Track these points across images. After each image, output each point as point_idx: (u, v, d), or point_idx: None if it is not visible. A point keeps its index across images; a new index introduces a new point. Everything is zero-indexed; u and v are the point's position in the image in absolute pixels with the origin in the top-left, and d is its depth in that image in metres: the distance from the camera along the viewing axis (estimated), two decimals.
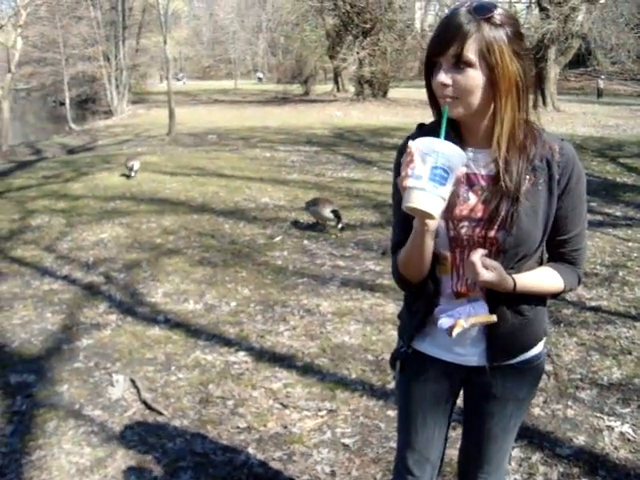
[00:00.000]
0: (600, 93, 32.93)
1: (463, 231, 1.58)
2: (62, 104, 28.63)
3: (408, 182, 1.39)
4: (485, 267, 1.50)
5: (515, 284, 1.56)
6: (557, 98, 25.68)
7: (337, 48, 30.91)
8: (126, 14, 31.65)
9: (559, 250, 1.67)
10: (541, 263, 1.69)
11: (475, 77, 1.45)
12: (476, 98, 1.48)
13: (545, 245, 1.67)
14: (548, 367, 3.81)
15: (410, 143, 1.41)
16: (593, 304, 4.79)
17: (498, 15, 1.45)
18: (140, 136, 18.04)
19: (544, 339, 1.79)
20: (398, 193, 1.57)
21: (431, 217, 1.41)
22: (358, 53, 29.06)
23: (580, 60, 36.98)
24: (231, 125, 19.19)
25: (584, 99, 32.10)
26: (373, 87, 30.41)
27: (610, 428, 3.20)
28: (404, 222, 1.60)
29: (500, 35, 1.45)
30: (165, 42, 18.72)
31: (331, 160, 12.22)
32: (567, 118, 21.80)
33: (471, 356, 1.71)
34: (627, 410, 3.36)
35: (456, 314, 1.59)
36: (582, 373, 3.76)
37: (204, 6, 69.77)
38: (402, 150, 1.61)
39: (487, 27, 1.44)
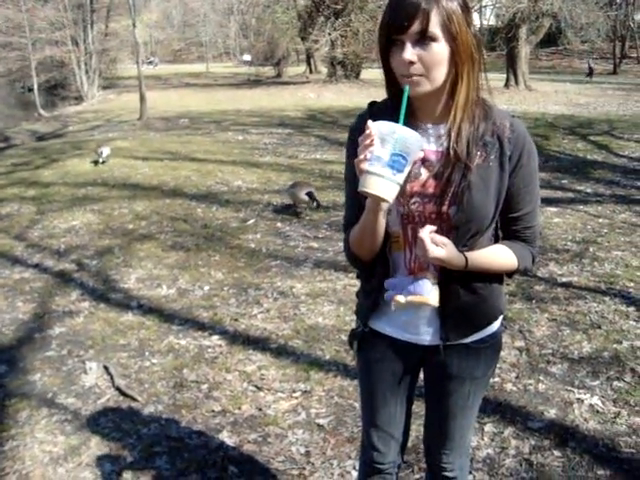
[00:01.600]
0: (591, 72, 32.58)
1: (414, 207, 1.57)
2: (30, 90, 28.10)
3: (366, 166, 1.38)
4: (435, 243, 1.49)
5: (467, 261, 1.56)
6: (529, 77, 25.81)
7: (309, 29, 30.69)
8: None
9: (512, 228, 1.66)
10: (496, 242, 1.69)
11: (440, 51, 1.44)
12: (442, 73, 1.47)
13: (499, 223, 1.68)
14: (521, 343, 3.86)
15: (370, 124, 1.39)
16: (564, 280, 4.86)
17: None
18: (111, 121, 17.81)
19: (500, 318, 1.79)
20: (351, 172, 1.55)
21: (386, 201, 1.42)
22: (330, 34, 28.88)
23: (551, 39, 37.18)
24: (203, 109, 19.03)
25: (555, 78, 32.31)
26: (346, 68, 30.29)
27: (580, 400, 3.26)
28: (356, 200, 1.59)
29: (455, 6, 1.44)
30: (134, 25, 18.43)
31: (304, 142, 12.19)
32: (539, 97, 21.93)
33: (425, 335, 1.71)
34: (596, 382, 3.42)
35: (398, 289, 1.59)
36: (553, 348, 3.81)
37: None
38: (355, 128, 1.61)
39: (444, 0, 1.42)
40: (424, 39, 1.43)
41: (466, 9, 1.47)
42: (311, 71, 36.70)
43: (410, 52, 1.43)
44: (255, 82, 33.80)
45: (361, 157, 1.39)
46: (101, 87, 31.18)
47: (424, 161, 1.56)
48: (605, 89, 25.53)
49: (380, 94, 1.66)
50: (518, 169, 1.58)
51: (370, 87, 26.07)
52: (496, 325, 1.77)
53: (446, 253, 1.50)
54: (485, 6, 40.56)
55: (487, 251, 1.63)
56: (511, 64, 25.51)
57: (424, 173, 1.57)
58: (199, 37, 59.64)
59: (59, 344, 4.04)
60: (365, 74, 30.33)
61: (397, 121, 1.42)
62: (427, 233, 1.49)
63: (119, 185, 8.53)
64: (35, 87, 26.04)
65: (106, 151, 9.94)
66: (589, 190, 7.83)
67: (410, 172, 1.48)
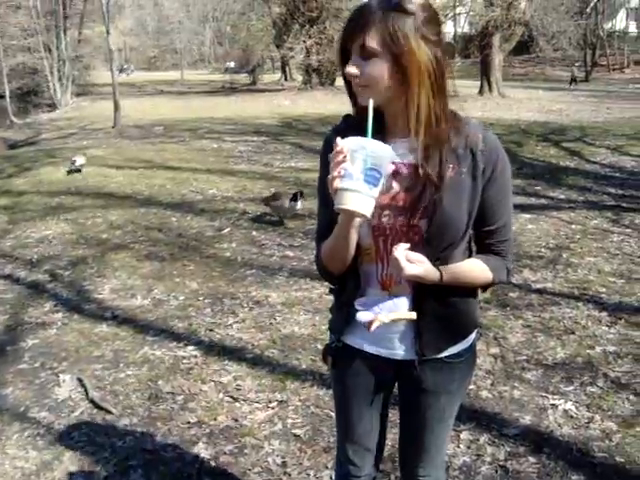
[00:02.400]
0: (574, 80, 32.43)
1: (385, 220, 1.57)
2: (2, 97, 27.80)
3: (341, 183, 1.39)
4: (410, 261, 1.48)
5: (442, 275, 1.56)
6: (502, 84, 26.07)
7: (284, 37, 30.73)
8: (67, 3, 30.78)
9: (486, 241, 1.66)
10: (470, 255, 1.69)
11: (380, 67, 1.45)
12: (383, 87, 1.48)
13: (473, 237, 1.68)
14: (495, 350, 3.89)
15: (339, 141, 1.40)
16: (538, 286, 4.90)
17: (406, 3, 1.43)
18: (85, 129, 17.66)
19: (475, 332, 1.79)
20: (323, 185, 1.54)
21: (364, 217, 1.43)
22: (305, 42, 28.94)
23: (524, 47, 37.59)
24: (178, 116, 18.93)
25: (529, 85, 32.66)
26: (321, 76, 30.36)
27: (554, 406, 3.29)
28: (329, 213, 1.59)
29: (407, 23, 1.43)
30: (108, 32, 18.34)
31: (279, 150, 12.18)
32: (512, 104, 22.14)
33: (399, 350, 1.70)
34: (570, 388, 3.46)
35: (377, 309, 1.58)
36: (528, 354, 3.84)
37: None
38: (328, 141, 1.61)
39: (393, 15, 1.43)
40: (365, 53, 1.45)
41: (427, 24, 1.45)
42: (286, 78, 36.73)
43: (350, 65, 1.48)
44: (230, 89, 33.74)
45: (334, 174, 1.40)
46: (75, 94, 30.92)
47: (395, 174, 1.57)
48: (577, 96, 25.87)
49: None
50: (492, 182, 1.58)
51: (345, 94, 25.98)
52: (470, 339, 1.77)
53: (421, 270, 1.50)
54: (459, 14, 40.98)
55: (462, 265, 1.63)
56: (485, 71, 25.75)
57: (395, 186, 1.58)
58: (174, 44, 59.36)
59: (32, 356, 3.99)
60: (340, 81, 30.30)
61: (365, 134, 1.43)
62: (402, 252, 1.48)
63: (93, 194, 8.44)
64: (7, 94, 25.73)
65: (80, 160, 9.83)
66: (562, 196, 7.92)
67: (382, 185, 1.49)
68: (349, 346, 1.78)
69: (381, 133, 1.52)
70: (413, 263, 1.49)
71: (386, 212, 1.58)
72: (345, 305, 1.72)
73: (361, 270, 1.66)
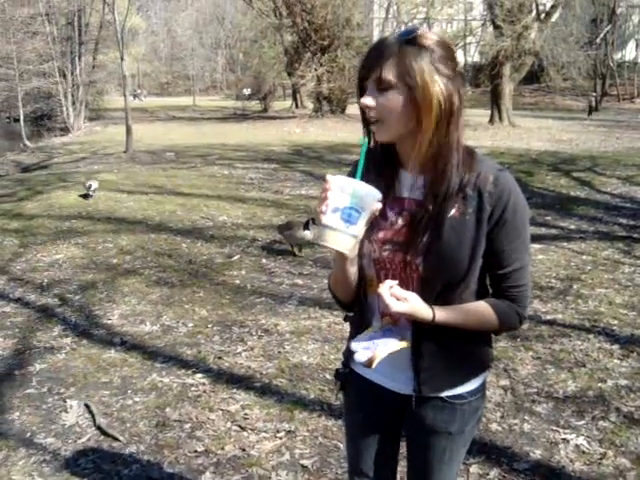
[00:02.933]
0: (592, 109, 32.17)
1: (385, 254, 1.58)
2: (16, 120, 28.05)
3: (322, 219, 1.44)
4: (396, 297, 1.48)
5: (434, 315, 1.53)
6: (512, 113, 26.20)
7: (295, 65, 31.03)
8: (82, 30, 31.25)
9: (499, 285, 1.61)
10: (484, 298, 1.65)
11: (394, 99, 1.47)
12: (398, 120, 1.49)
13: (489, 282, 1.65)
14: (505, 382, 3.85)
15: (328, 178, 1.44)
16: (549, 317, 4.87)
17: (423, 38, 1.45)
18: (97, 154, 17.81)
19: (482, 376, 1.74)
20: None
21: (343, 253, 1.47)
22: (316, 70, 29.20)
23: (534, 77, 37.83)
24: (189, 142, 19.08)
25: (539, 114, 32.77)
26: (331, 103, 30.58)
27: (566, 441, 3.25)
28: None
29: (422, 57, 1.44)
30: (122, 59, 18.56)
31: (289, 177, 12.24)
32: (523, 133, 22.22)
33: (401, 384, 1.69)
34: (582, 422, 3.41)
35: (373, 346, 1.56)
36: (538, 387, 3.80)
37: (162, 22, 69.44)
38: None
39: (409, 50, 1.45)
40: (381, 86, 1.47)
41: (442, 59, 1.46)
42: (297, 106, 37.02)
43: (366, 97, 1.49)
44: (241, 116, 34.02)
45: (318, 209, 1.44)
46: (87, 119, 31.27)
47: (402, 210, 1.59)
48: (587, 126, 25.93)
49: None
50: (501, 225, 1.54)
51: (355, 122, 26.20)
52: (476, 383, 1.72)
53: (408, 307, 1.49)
54: (469, 43, 41.31)
55: (461, 307, 1.59)
56: (495, 100, 25.90)
57: (400, 221, 1.59)
58: (186, 70, 60.03)
59: (39, 381, 3.98)
60: (351, 109, 30.63)
61: (385, 168, 1.49)
62: (386, 289, 1.49)
63: (104, 219, 8.49)
64: (21, 118, 26.03)
65: (95, 184, 9.87)
66: (572, 227, 7.90)
67: (385, 217, 1.56)
68: (357, 374, 1.77)
69: (391, 165, 1.56)
70: (400, 300, 1.48)
71: (387, 246, 1.59)
72: (353, 333, 1.74)
73: (365, 301, 1.68)
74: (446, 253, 1.52)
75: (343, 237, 1.44)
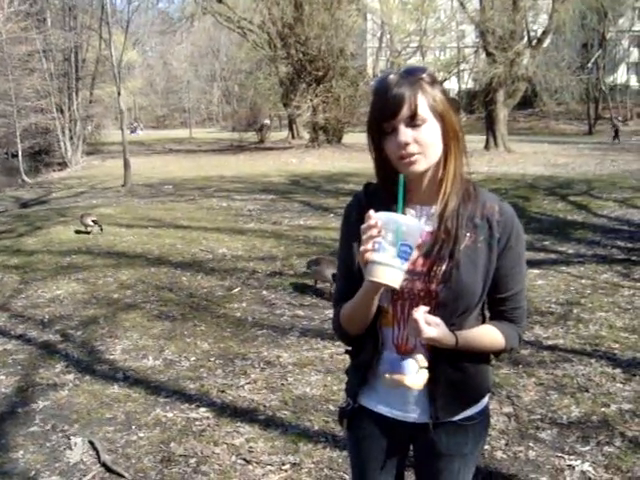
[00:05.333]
0: (617, 134, 31.58)
1: (404, 284, 1.60)
2: (14, 156, 28.21)
3: (373, 256, 1.45)
4: (428, 323, 1.53)
5: (457, 340, 1.59)
6: (508, 139, 26.40)
7: (291, 95, 31.30)
8: (79, 65, 31.59)
9: (500, 308, 1.71)
10: (483, 321, 1.73)
11: (432, 130, 1.55)
12: (438, 150, 1.58)
13: (487, 303, 1.72)
14: (509, 409, 3.85)
15: (372, 214, 1.46)
16: (550, 343, 4.88)
17: (428, 75, 1.56)
18: (95, 188, 17.89)
19: (488, 396, 1.81)
20: (346, 252, 1.67)
21: (395, 289, 1.49)
22: (312, 100, 29.44)
23: (527, 102, 38.14)
24: (187, 175, 19.19)
25: (534, 139, 33.01)
26: (327, 133, 30.79)
27: (571, 467, 3.24)
28: (351, 278, 1.65)
29: (437, 91, 1.56)
30: (119, 93, 18.73)
31: (288, 208, 12.30)
32: (518, 158, 22.37)
33: (413, 413, 1.72)
34: (587, 448, 3.41)
35: (388, 367, 1.66)
36: (542, 413, 3.80)
37: (157, 55, 70.10)
38: (352, 208, 1.71)
39: (425, 85, 1.54)
40: (415, 122, 1.53)
41: (446, 93, 1.59)
42: (293, 136, 37.24)
43: (404, 134, 1.53)
44: (238, 148, 34.21)
45: (368, 247, 1.46)
46: (85, 153, 31.43)
47: None
48: (582, 149, 26.13)
49: (362, 157, 1.75)
50: (507, 251, 1.64)
51: (352, 151, 26.47)
52: (483, 403, 1.79)
53: (438, 333, 1.54)
54: (463, 70, 41.75)
55: (476, 331, 1.67)
56: (490, 126, 26.13)
57: (415, 253, 1.62)
58: (182, 103, 60.51)
59: (43, 419, 3.97)
60: (347, 138, 30.84)
61: (392, 206, 1.52)
62: (421, 314, 1.53)
63: (104, 253, 8.52)
64: (19, 153, 26.15)
65: (92, 219, 9.81)
66: (571, 251, 7.94)
67: None
68: (364, 407, 1.79)
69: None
70: (431, 326, 1.53)
71: (405, 276, 1.61)
72: (362, 366, 1.75)
73: (380, 332, 1.69)
74: (465, 280, 1.59)
75: (396, 273, 1.46)
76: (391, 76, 1.55)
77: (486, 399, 1.80)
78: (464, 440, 1.77)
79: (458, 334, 1.60)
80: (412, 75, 1.54)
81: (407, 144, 1.53)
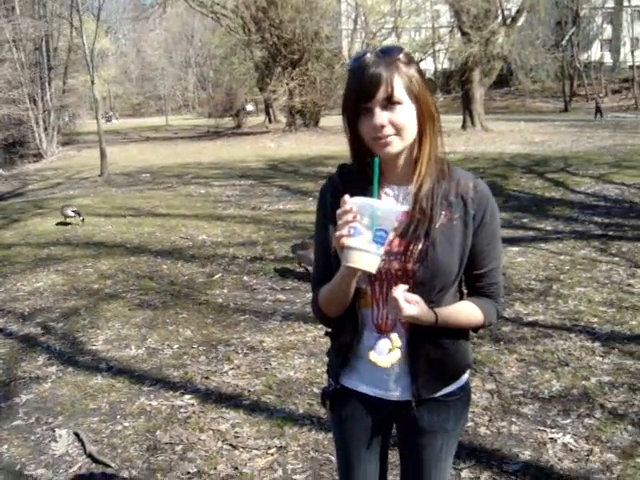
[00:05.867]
0: (599, 111, 32.12)
1: (381, 265, 1.60)
2: None
3: (349, 242, 1.46)
4: (407, 302, 1.54)
5: (437, 317, 1.61)
6: (484, 118, 26.50)
7: (267, 80, 31.17)
8: (51, 55, 31.20)
9: (477, 284, 1.72)
10: (461, 298, 1.75)
11: (408, 111, 1.55)
12: (413, 131, 1.58)
13: (464, 280, 1.74)
14: (491, 385, 3.89)
15: (347, 199, 1.46)
16: (530, 319, 4.93)
17: (404, 55, 1.55)
18: (72, 179, 17.72)
19: (468, 372, 1.83)
20: (322, 236, 1.68)
21: (371, 273, 1.50)
22: (288, 84, 29.35)
23: (503, 80, 38.31)
24: (164, 162, 19.06)
25: (510, 117, 33.14)
26: (304, 117, 30.74)
27: (553, 440, 3.29)
28: (327, 262, 1.67)
29: (413, 71, 1.56)
30: (93, 82, 18.52)
31: (266, 193, 12.27)
32: (496, 137, 22.46)
33: (394, 391, 1.74)
34: (568, 421, 3.46)
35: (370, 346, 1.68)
36: (524, 388, 3.85)
37: (131, 43, 69.36)
38: (326, 191, 1.71)
39: (401, 65, 1.54)
40: (391, 103, 1.52)
41: (422, 73, 1.59)
42: (270, 121, 37.09)
43: (380, 116, 1.52)
44: (215, 134, 34.01)
45: (343, 232, 1.46)
46: (60, 143, 31.08)
47: None
48: (558, 127, 26.29)
49: (340, 140, 1.75)
50: (482, 228, 1.64)
51: (329, 134, 26.42)
52: (464, 379, 1.81)
53: (418, 311, 1.55)
54: (438, 51, 41.74)
55: (455, 307, 1.68)
56: (467, 106, 26.21)
57: (391, 234, 1.63)
58: (157, 90, 59.98)
59: (27, 412, 3.95)
60: (324, 122, 30.77)
61: (367, 187, 1.52)
62: (400, 292, 1.54)
63: (82, 244, 8.45)
64: None
65: (71, 212, 9.69)
66: (549, 228, 8.01)
67: None
68: (347, 388, 1.80)
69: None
70: (410, 304, 1.54)
71: (382, 257, 1.62)
72: (342, 347, 1.76)
73: (358, 313, 1.70)
74: (441, 258, 1.60)
75: (372, 258, 1.47)
76: (368, 55, 1.54)
77: (466, 375, 1.82)
78: (446, 416, 1.79)
79: (437, 311, 1.61)
80: (389, 55, 1.54)
81: (382, 126, 1.53)
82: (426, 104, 1.57)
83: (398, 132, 1.54)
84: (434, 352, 1.69)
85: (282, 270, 6.71)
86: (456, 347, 1.74)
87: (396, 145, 1.56)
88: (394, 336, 1.65)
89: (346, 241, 1.46)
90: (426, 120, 1.58)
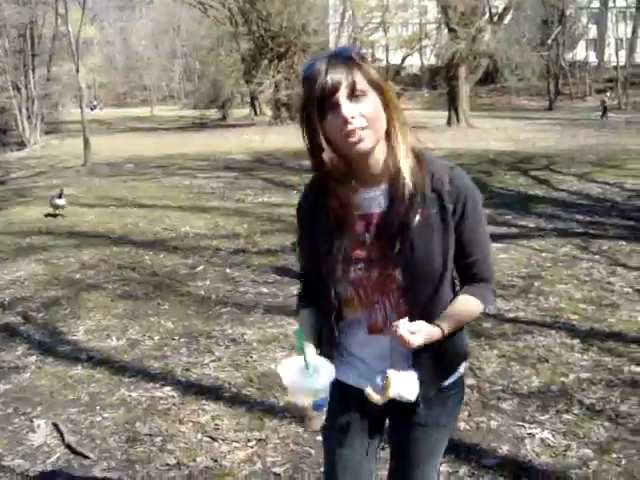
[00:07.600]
0: (606, 110, 31.31)
1: (360, 273, 1.61)
2: None
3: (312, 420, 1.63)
4: (412, 333, 1.52)
5: (443, 330, 1.60)
6: (470, 114, 26.58)
7: (253, 72, 31.07)
8: (35, 42, 30.83)
9: (470, 272, 1.69)
10: (454, 287, 1.72)
11: (374, 102, 1.51)
12: (383, 123, 1.53)
13: (456, 270, 1.71)
14: (471, 381, 3.91)
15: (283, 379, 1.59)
16: (511, 315, 4.96)
17: (356, 54, 1.53)
18: (55, 168, 17.53)
19: (463, 365, 1.81)
20: (302, 243, 1.75)
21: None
22: (274, 77, 29.29)
23: (489, 77, 38.45)
24: (149, 153, 18.94)
25: (496, 114, 33.26)
26: (290, 110, 30.63)
27: (531, 435, 3.31)
28: (310, 262, 1.71)
29: (369, 67, 1.52)
30: (77, 70, 18.35)
31: (251, 185, 12.24)
32: (481, 133, 22.55)
33: None
34: (546, 417, 3.49)
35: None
36: (503, 384, 3.87)
37: (117, 32, 68.70)
38: (300, 206, 1.75)
39: (358, 60, 1.51)
40: (355, 96, 1.49)
41: (376, 69, 1.56)
42: (256, 113, 36.98)
43: (348, 107, 1.48)
44: (200, 125, 33.85)
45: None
46: (44, 132, 30.74)
47: (368, 226, 1.61)
48: (542, 125, 26.42)
49: None
50: (464, 220, 1.61)
51: None
52: (459, 372, 1.81)
53: (425, 336, 1.55)
54: (425, 46, 41.81)
55: (455, 308, 1.66)
56: (452, 102, 26.26)
57: (368, 238, 1.62)
58: (143, 81, 59.53)
59: (4, 402, 3.91)
60: None
61: (347, 185, 1.60)
62: (404, 328, 1.52)
63: (65, 234, 8.39)
64: None
65: (62, 200, 9.56)
66: (532, 225, 8.06)
67: (357, 236, 1.61)
68: (339, 381, 1.76)
69: (345, 185, 1.59)
70: (414, 333, 1.53)
71: (360, 265, 1.62)
72: (327, 341, 1.74)
73: (335, 326, 1.70)
74: (421, 258, 1.57)
75: (319, 419, 1.64)
76: (321, 59, 1.51)
77: (461, 368, 1.80)
78: (441, 410, 1.78)
79: (441, 324, 1.60)
80: (343, 54, 1.52)
81: (353, 117, 1.47)
82: (389, 94, 1.53)
83: (369, 125, 1.49)
84: (431, 348, 1.65)
85: (264, 263, 6.69)
86: (452, 341, 1.71)
87: (369, 139, 1.50)
88: (391, 375, 1.62)
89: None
90: (392, 111, 1.54)
